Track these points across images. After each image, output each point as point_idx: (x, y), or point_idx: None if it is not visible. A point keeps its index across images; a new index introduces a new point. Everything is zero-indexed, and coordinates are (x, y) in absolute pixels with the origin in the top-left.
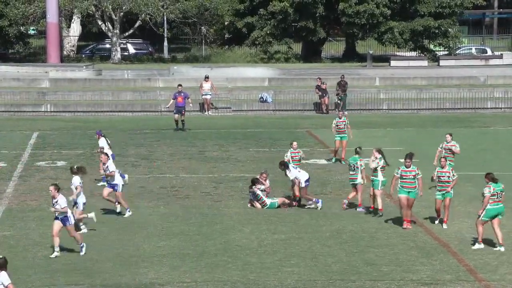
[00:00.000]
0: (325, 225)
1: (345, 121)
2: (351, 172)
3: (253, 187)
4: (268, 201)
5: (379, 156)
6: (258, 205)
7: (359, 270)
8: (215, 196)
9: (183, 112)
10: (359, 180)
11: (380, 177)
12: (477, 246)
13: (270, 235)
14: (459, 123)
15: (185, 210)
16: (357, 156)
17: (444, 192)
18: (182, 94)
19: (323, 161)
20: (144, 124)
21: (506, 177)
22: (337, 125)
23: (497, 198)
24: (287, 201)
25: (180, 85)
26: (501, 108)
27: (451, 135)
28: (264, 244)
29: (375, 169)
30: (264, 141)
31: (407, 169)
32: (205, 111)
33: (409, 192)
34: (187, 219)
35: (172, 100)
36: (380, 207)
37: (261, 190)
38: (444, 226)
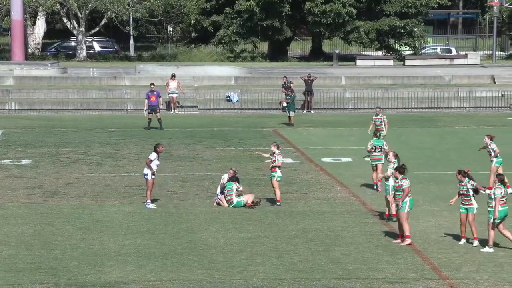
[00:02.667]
0: (291, 224)
1: (381, 118)
2: (375, 153)
3: (233, 183)
4: (235, 199)
5: (394, 160)
6: (224, 203)
7: (324, 268)
8: (181, 195)
9: (158, 111)
10: (383, 160)
11: (391, 182)
12: (486, 249)
13: (236, 234)
14: (424, 122)
15: (151, 209)
16: (380, 139)
17: (467, 206)
18: (155, 93)
19: (289, 160)
20: (110, 122)
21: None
22: (374, 122)
23: (505, 199)
24: (251, 199)
25: (152, 84)
26: (465, 107)
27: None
28: (230, 243)
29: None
30: (230, 140)
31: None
32: (171, 110)
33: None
34: (152, 218)
35: (146, 100)
36: (393, 212)
37: (236, 189)
38: (475, 242)
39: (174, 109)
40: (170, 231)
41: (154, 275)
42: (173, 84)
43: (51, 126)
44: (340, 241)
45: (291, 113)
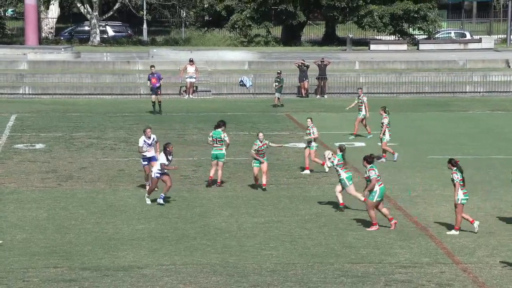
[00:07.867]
0: (304, 208)
1: (362, 100)
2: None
3: (221, 132)
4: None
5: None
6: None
7: (337, 252)
8: (194, 179)
9: (159, 93)
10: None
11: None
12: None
13: (249, 219)
14: (437, 107)
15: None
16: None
17: None
18: (155, 75)
19: (302, 145)
20: (123, 107)
21: (482, 160)
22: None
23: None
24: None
25: (152, 66)
26: (479, 92)
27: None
28: (243, 227)
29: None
30: (243, 124)
31: None
32: (187, 95)
33: None
34: (166, 202)
35: (148, 82)
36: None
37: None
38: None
39: (190, 94)
40: (184, 215)
41: (167, 259)
42: (191, 69)
43: (64, 111)
44: (353, 225)
45: (277, 94)
